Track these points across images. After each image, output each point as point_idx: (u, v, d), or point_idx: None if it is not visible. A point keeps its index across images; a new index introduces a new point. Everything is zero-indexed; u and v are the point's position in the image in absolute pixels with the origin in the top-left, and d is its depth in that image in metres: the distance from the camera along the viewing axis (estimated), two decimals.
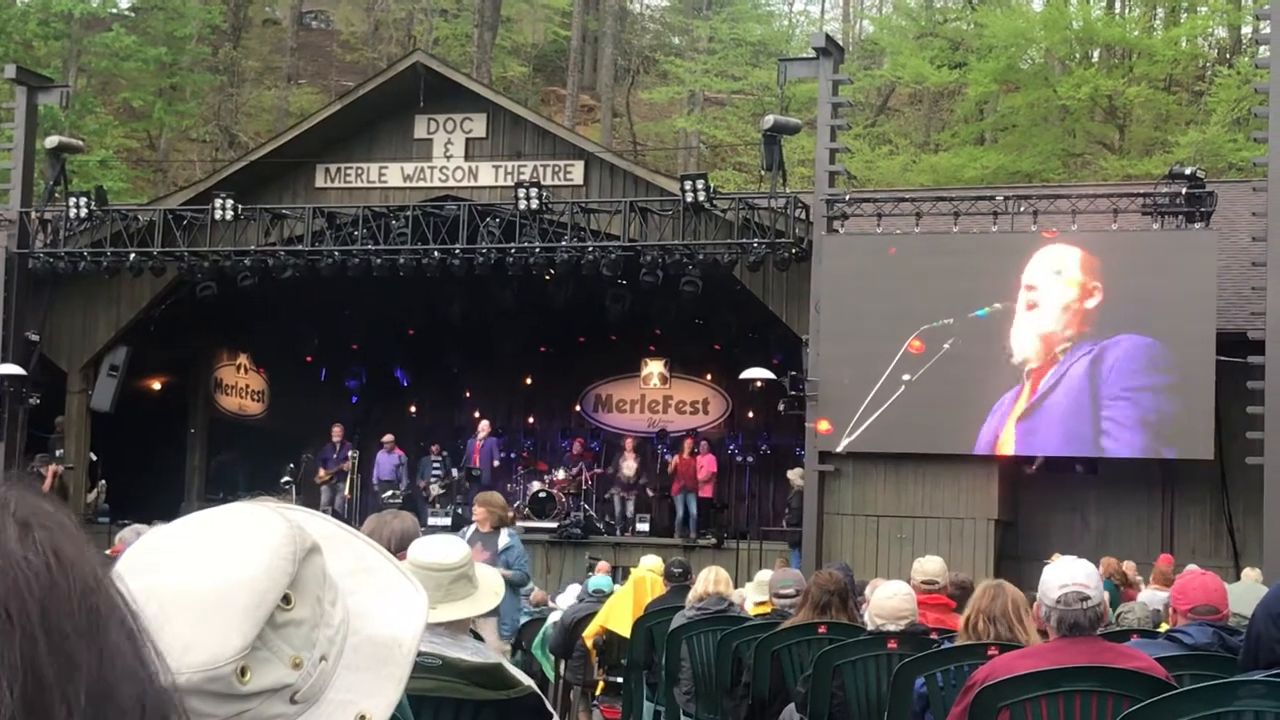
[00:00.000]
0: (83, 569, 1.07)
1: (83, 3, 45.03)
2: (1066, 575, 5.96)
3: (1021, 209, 22.83)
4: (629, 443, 29.14)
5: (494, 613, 12.65)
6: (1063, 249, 22.18)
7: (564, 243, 23.96)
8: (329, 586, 1.41)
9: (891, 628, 8.20)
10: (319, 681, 1.36)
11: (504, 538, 13.13)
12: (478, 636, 5.61)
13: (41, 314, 26.53)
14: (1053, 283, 22.12)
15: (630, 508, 27.89)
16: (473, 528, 13.40)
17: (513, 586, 13.14)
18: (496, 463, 28.64)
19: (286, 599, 1.37)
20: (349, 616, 1.39)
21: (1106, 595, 14.79)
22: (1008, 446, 22.41)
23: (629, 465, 28.31)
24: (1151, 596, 14.84)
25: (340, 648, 1.37)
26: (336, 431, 28.62)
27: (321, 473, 28.35)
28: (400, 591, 1.48)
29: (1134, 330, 21.66)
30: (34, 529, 1.07)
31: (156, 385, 29.97)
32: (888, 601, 8.37)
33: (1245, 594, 7.72)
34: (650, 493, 28.55)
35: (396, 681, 1.36)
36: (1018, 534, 23.64)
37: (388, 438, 28.84)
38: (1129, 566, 19.39)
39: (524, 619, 14.85)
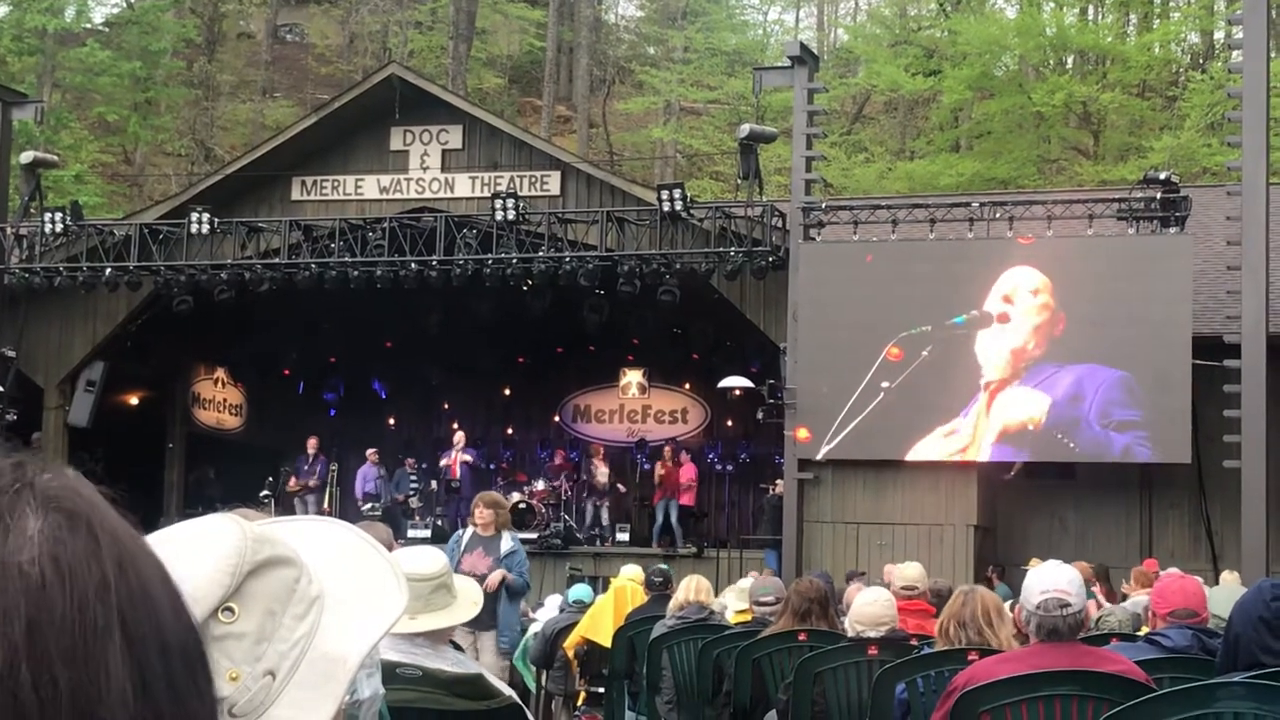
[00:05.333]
0: (86, 575, 1.05)
1: (56, 18, 44.98)
2: (1049, 581, 5.97)
3: (997, 215, 22.89)
4: (600, 450, 29.13)
5: (491, 625, 12.35)
6: (1036, 269, 22.24)
7: (541, 253, 23.96)
8: (297, 601, 1.40)
9: (872, 634, 8.21)
10: (260, 696, 1.35)
11: (507, 541, 12.75)
12: (457, 646, 5.60)
13: (17, 330, 26.44)
14: (1028, 301, 22.18)
15: (605, 515, 27.86)
16: (469, 531, 12.91)
17: (514, 595, 12.72)
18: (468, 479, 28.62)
19: (230, 611, 1.36)
20: (315, 631, 1.38)
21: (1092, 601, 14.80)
22: (980, 454, 22.46)
23: (601, 472, 28.30)
24: (1135, 601, 14.88)
25: (296, 663, 1.36)
26: (311, 443, 28.56)
27: (294, 482, 28.26)
28: (372, 605, 1.47)
29: (1110, 333, 21.71)
30: (42, 527, 1.06)
31: (134, 400, 29.89)
32: (866, 609, 8.38)
33: (1226, 597, 7.74)
34: (612, 500, 28.50)
35: (333, 699, 1.35)
36: (997, 539, 23.68)
37: (371, 452, 28.83)
38: (1084, 567, 19.39)
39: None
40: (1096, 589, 17.70)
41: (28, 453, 1.15)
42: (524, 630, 15.78)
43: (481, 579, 12.02)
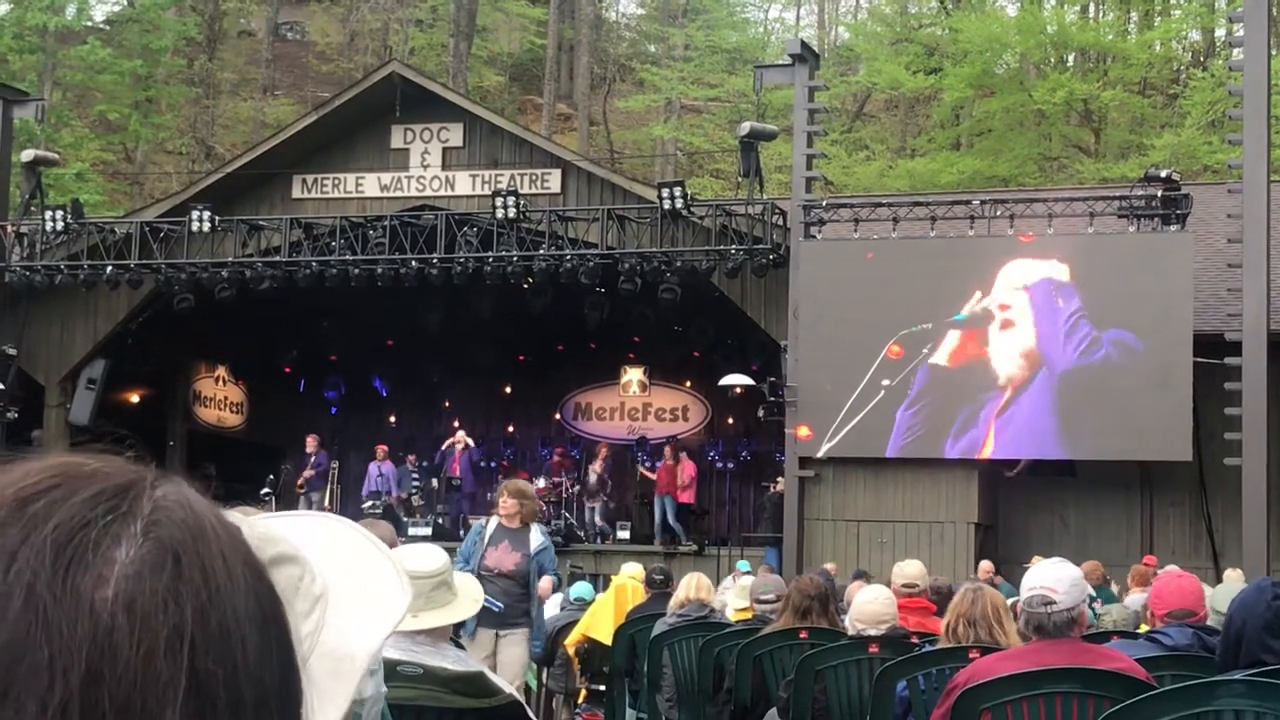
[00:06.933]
0: (160, 622, 0.97)
1: (57, 16, 44.98)
2: (1037, 578, 6.01)
3: (998, 213, 22.89)
4: (603, 449, 29.14)
5: (524, 624, 11.85)
6: (1033, 263, 22.26)
7: (542, 251, 23.97)
8: (302, 598, 1.40)
9: (873, 632, 8.21)
10: None
11: (537, 536, 11.68)
12: (458, 644, 5.61)
13: (18, 328, 26.46)
14: (1025, 300, 22.19)
15: (597, 516, 27.83)
16: (494, 522, 11.76)
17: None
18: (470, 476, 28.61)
19: None
20: (320, 629, 1.39)
21: (1099, 599, 14.71)
22: (988, 450, 22.49)
23: (594, 472, 28.31)
24: (1133, 599, 14.88)
25: (303, 661, 1.36)
26: (310, 441, 28.55)
27: (299, 481, 28.30)
28: (376, 602, 1.47)
29: (1111, 333, 21.71)
30: (130, 559, 0.98)
31: (135, 398, 29.88)
32: (868, 606, 8.38)
33: (1229, 595, 7.74)
34: (611, 501, 28.48)
35: (343, 697, 1.34)
36: (997, 537, 23.68)
37: (380, 448, 28.85)
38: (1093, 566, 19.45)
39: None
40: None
41: (146, 463, 1.06)
42: None
43: (510, 575, 11.50)
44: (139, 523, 1.00)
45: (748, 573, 18.62)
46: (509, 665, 11.47)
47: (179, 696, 0.97)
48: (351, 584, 1.47)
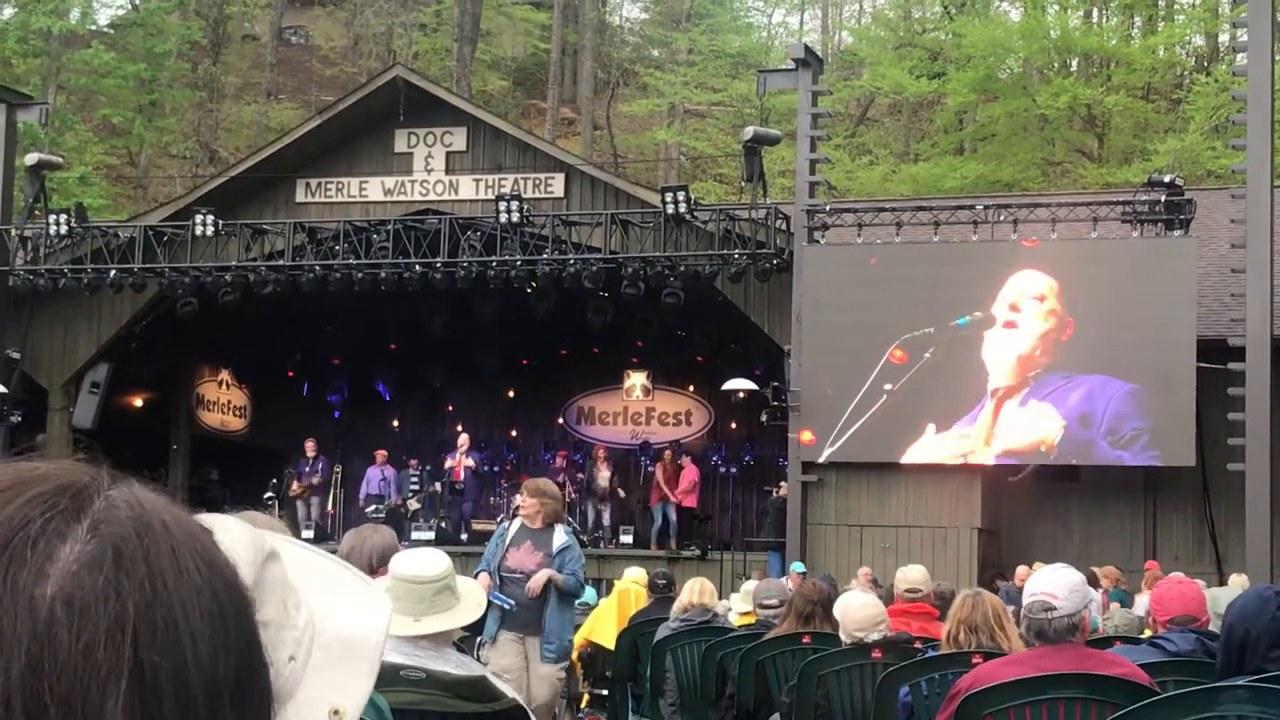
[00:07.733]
0: (99, 615, 0.99)
1: (61, 20, 45.01)
2: (1038, 584, 6.01)
3: (1001, 218, 22.87)
4: (601, 452, 29.12)
5: (536, 629, 11.51)
6: (1043, 273, 22.23)
7: (545, 255, 23.96)
8: (290, 590, 1.41)
9: (875, 636, 8.20)
10: (289, 681, 1.36)
11: (560, 536, 11.22)
12: (460, 649, 5.60)
13: (22, 332, 26.46)
14: (1034, 307, 22.18)
15: (605, 518, 27.86)
16: (516, 523, 11.36)
17: (566, 597, 11.31)
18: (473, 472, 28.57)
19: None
20: (313, 618, 1.40)
21: (1115, 604, 14.71)
22: (983, 457, 22.47)
23: (603, 476, 28.28)
24: (1138, 602, 14.90)
25: (308, 648, 1.37)
26: (309, 445, 28.54)
27: (295, 486, 28.25)
28: (359, 591, 1.49)
29: (1114, 337, 21.69)
30: (74, 556, 1.00)
31: (138, 402, 29.89)
32: (860, 613, 8.35)
33: (1232, 598, 7.74)
34: (614, 503, 28.48)
35: (367, 675, 1.36)
36: (1001, 543, 23.66)
37: (380, 453, 28.81)
38: (1111, 571, 19.43)
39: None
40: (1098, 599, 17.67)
41: (102, 465, 1.08)
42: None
43: (529, 576, 11.00)
44: (86, 522, 1.03)
45: (803, 573, 18.54)
46: (543, 684, 11.21)
47: (121, 688, 0.98)
48: (313, 574, 1.48)
